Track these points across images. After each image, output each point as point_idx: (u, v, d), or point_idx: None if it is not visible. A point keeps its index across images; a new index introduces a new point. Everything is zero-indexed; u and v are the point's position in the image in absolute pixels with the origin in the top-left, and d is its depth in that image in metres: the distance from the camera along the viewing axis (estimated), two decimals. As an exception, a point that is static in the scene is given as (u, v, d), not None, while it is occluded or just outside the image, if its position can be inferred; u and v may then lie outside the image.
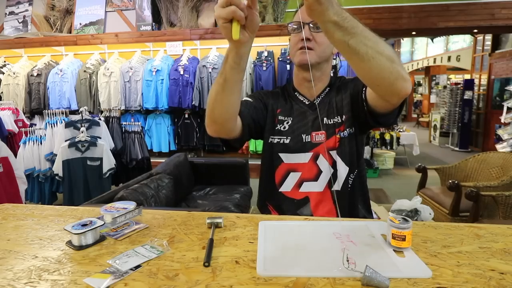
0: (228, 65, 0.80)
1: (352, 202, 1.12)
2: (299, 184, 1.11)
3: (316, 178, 1.09)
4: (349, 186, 1.10)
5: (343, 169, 1.09)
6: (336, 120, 1.10)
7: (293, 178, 1.11)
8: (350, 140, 1.09)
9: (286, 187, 1.12)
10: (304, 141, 1.10)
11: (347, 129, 1.09)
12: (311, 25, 1.03)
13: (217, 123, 0.94)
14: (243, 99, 1.12)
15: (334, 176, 1.09)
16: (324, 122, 1.11)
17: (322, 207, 1.09)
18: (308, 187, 1.10)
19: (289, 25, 1.07)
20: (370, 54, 0.72)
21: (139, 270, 0.70)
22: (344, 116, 1.10)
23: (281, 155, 1.12)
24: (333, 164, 1.09)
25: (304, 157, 1.10)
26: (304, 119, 1.12)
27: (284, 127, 1.13)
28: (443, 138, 7.83)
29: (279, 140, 1.12)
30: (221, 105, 0.89)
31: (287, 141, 1.11)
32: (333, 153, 1.09)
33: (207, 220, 0.92)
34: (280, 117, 1.14)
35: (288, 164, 1.11)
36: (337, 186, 1.09)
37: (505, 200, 2.11)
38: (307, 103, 1.15)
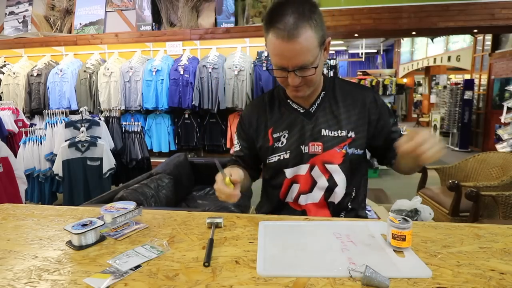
0: None
1: (350, 213, 1.10)
2: (297, 197, 1.09)
3: (310, 190, 1.07)
4: (347, 200, 1.08)
5: (341, 184, 1.06)
6: (339, 134, 1.05)
7: (294, 189, 1.09)
8: (356, 159, 1.05)
9: (290, 197, 1.10)
10: (303, 152, 1.06)
11: (354, 149, 1.05)
12: (296, 72, 0.93)
13: None
14: (236, 150, 1.19)
15: (330, 189, 1.06)
16: (322, 133, 1.05)
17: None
18: (305, 200, 1.08)
19: (270, 68, 1.00)
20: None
21: (139, 270, 0.70)
22: (352, 134, 1.05)
23: (284, 170, 1.08)
24: (330, 178, 1.05)
25: (302, 169, 1.06)
26: (300, 129, 1.07)
27: (282, 142, 1.07)
28: (443, 138, 7.83)
29: (279, 157, 1.08)
30: None
31: (286, 155, 1.06)
32: (331, 167, 1.05)
33: (207, 220, 0.92)
34: (275, 135, 1.09)
35: (291, 178, 1.08)
36: (333, 199, 1.07)
37: (505, 200, 2.10)
38: (301, 111, 1.08)
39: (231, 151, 1.34)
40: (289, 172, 1.08)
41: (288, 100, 1.11)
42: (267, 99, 1.15)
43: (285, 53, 0.90)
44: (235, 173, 0.96)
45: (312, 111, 1.08)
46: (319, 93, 1.09)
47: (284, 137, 1.08)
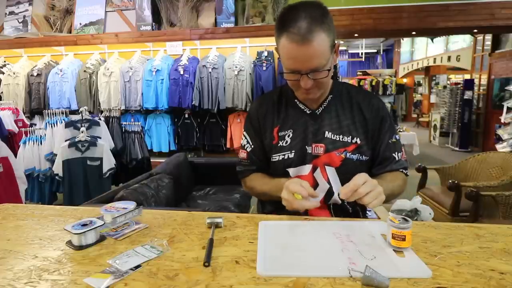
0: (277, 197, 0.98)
1: (351, 216, 1.11)
2: None
3: None
4: (347, 203, 1.08)
5: (337, 187, 1.06)
6: (341, 138, 1.06)
7: None
8: (358, 166, 1.05)
9: None
10: (306, 152, 1.07)
11: (359, 155, 1.06)
12: (309, 75, 0.94)
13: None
14: (249, 151, 1.17)
15: (330, 192, 1.07)
16: (325, 135, 1.06)
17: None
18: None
19: (284, 73, 0.99)
20: (389, 199, 1.00)
21: (139, 270, 0.70)
22: (357, 140, 1.06)
23: (288, 170, 1.09)
24: (328, 181, 1.06)
25: (305, 169, 1.07)
26: (305, 129, 1.08)
27: (286, 142, 1.08)
28: (443, 138, 7.82)
29: (283, 156, 1.08)
30: (263, 199, 1.20)
31: (291, 155, 1.07)
32: (330, 170, 1.06)
33: (207, 220, 0.92)
34: (281, 133, 1.10)
35: (294, 177, 1.08)
36: (333, 201, 1.08)
37: (505, 200, 2.10)
38: (308, 112, 1.10)
39: (240, 155, 1.29)
40: (292, 172, 1.08)
41: (295, 100, 1.12)
42: (275, 97, 1.15)
43: (299, 57, 0.91)
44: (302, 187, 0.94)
45: (318, 113, 1.09)
46: (327, 96, 1.10)
47: (288, 136, 1.09)
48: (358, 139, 1.06)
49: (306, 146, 1.07)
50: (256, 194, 1.18)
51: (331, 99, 1.10)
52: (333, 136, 1.06)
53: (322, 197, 1.07)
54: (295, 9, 0.92)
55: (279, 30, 0.93)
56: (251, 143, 1.16)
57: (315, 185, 1.07)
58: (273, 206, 1.16)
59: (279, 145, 1.09)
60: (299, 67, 0.94)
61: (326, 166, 1.06)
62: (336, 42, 0.98)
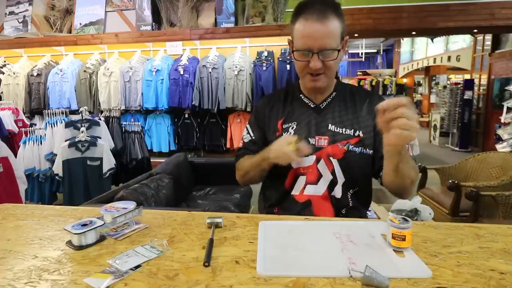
0: (266, 167, 1.09)
1: (352, 210, 1.11)
2: (304, 187, 1.11)
3: (316, 182, 1.10)
4: (349, 197, 1.11)
5: (340, 179, 1.09)
6: (344, 131, 1.09)
7: (301, 181, 1.11)
8: (360, 159, 1.08)
9: (296, 190, 1.12)
10: (310, 144, 1.08)
11: (362, 148, 1.08)
12: (320, 56, 0.99)
13: (247, 184, 1.24)
14: (247, 141, 1.21)
15: (333, 183, 1.09)
16: (329, 128, 1.10)
17: (323, 210, 1.09)
18: (310, 190, 1.10)
19: (295, 51, 1.03)
20: (407, 180, 0.98)
21: (139, 270, 0.70)
22: (359, 133, 1.08)
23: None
24: (332, 172, 1.09)
25: (308, 161, 1.09)
26: (308, 122, 1.12)
27: (290, 133, 1.11)
28: (443, 138, 7.82)
29: None
30: (252, 178, 1.18)
31: None
32: (334, 161, 1.08)
33: (207, 220, 0.92)
34: (285, 125, 1.14)
35: (297, 169, 1.11)
36: (335, 193, 1.10)
37: (505, 200, 2.11)
38: (312, 106, 1.14)
39: (240, 144, 1.32)
40: (294, 163, 1.10)
41: (301, 95, 1.17)
42: (282, 94, 1.21)
43: (314, 34, 0.97)
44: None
45: (322, 107, 1.14)
46: (331, 93, 1.15)
47: (292, 128, 1.13)
48: (360, 132, 1.09)
49: (310, 138, 1.10)
50: (245, 172, 1.18)
51: (335, 96, 1.15)
52: (336, 129, 1.10)
53: (326, 188, 1.09)
54: (310, 1, 1.00)
55: (295, 16, 1.01)
56: (251, 134, 1.21)
57: (319, 176, 1.09)
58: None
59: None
60: (312, 44, 0.98)
61: (331, 158, 1.09)
62: (345, 37, 1.04)
